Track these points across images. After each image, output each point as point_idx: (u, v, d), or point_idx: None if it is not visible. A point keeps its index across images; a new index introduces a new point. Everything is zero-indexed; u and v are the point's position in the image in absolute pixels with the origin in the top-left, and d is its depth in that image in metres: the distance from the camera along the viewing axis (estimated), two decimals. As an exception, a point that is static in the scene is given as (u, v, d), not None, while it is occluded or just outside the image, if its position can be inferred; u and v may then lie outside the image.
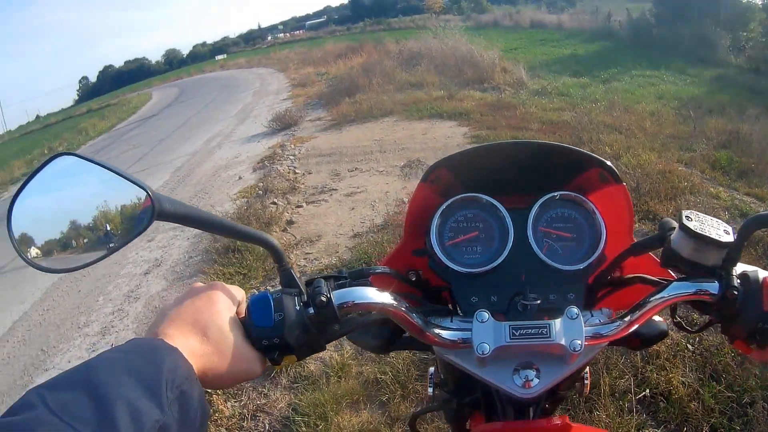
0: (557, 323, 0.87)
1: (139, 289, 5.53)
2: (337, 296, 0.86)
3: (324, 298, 0.85)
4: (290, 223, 5.88)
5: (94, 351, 4.63)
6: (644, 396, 2.73)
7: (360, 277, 0.95)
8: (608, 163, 1.02)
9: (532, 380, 0.89)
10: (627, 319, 0.89)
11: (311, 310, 0.85)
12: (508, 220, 1.03)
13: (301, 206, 6.30)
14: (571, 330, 0.86)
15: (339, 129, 9.83)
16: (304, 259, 4.98)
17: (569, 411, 2.66)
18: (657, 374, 2.81)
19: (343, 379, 3.24)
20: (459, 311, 1.01)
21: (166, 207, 0.76)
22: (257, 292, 0.86)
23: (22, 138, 54.87)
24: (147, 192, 0.77)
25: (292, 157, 8.46)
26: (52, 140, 28.62)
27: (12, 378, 4.75)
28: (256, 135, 11.33)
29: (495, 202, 1.04)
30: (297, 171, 7.66)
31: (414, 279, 1.06)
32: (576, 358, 0.88)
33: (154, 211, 0.76)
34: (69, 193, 0.91)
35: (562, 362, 0.90)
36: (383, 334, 1.02)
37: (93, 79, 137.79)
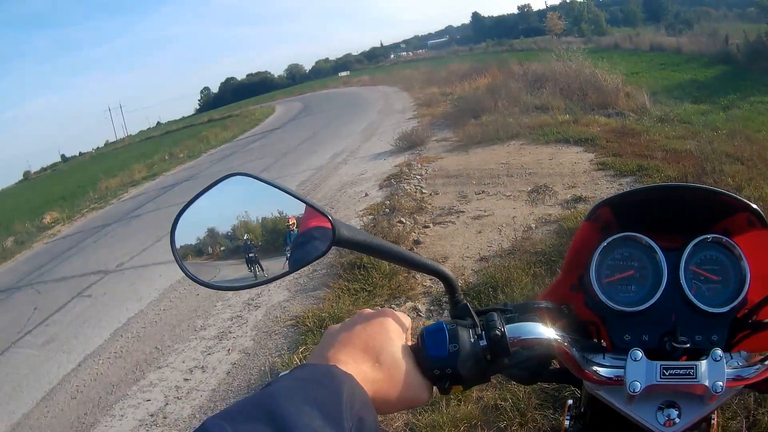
0: (703, 365, 0.88)
1: (260, 297, 5.72)
2: (510, 330, 0.90)
3: (498, 332, 0.88)
4: (417, 243, 5.93)
5: (209, 354, 4.88)
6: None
7: (526, 311, 0.98)
8: (756, 207, 1.02)
9: (674, 419, 0.91)
10: (767, 363, 0.90)
11: (483, 343, 0.88)
12: (663, 260, 1.03)
13: (428, 226, 6.34)
14: (714, 372, 0.87)
15: (465, 150, 9.84)
16: (430, 280, 4.99)
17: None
18: None
19: (463, 402, 3.25)
20: (610, 347, 1.03)
21: (344, 233, 0.80)
22: (431, 322, 0.92)
23: (142, 143, 58.30)
24: (327, 217, 0.81)
25: (418, 177, 8.54)
26: (172, 146, 30.13)
27: (124, 371, 5.04)
28: (382, 153, 11.52)
29: (652, 242, 1.04)
30: (424, 191, 7.72)
31: (566, 312, 1.07)
32: (715, 399, 0.89)
33: (333, 237, 0.80)
34: (235, 211, 0.94)
35: (702, 402, 0.91)
36: (532, 365, 1.02)
37: (215, 90, 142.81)
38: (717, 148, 7.13)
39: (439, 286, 4.81)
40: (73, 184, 30.94)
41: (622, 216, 1.10)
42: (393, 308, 3.50)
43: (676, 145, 7.74)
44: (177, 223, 0.89)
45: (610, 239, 1.07)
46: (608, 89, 12.67)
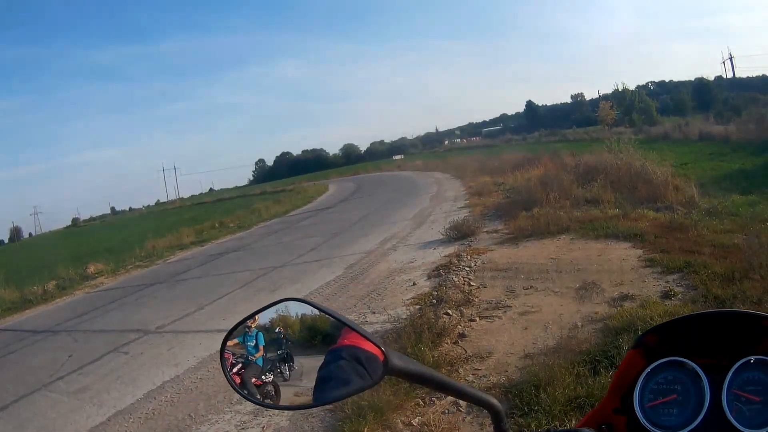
0: None
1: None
2: None
3: None
4: (462, 336, 5.91)
5: (243, 429, 4.88)
6: None
7: None
8: None
9: None
10: None
11: None
12: (706, 385, 1.06)
13: (474, 320, 6.34)
14: None
15: (515, 244, 9.90)
16: (473, 374, 5.01)
17: None
18: None
19: None
20: None
21: (396, 362, 0.81)
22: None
23: (193, 207, 59.55)
24: (380, 348, 0.81)
25: (467, 269, 8.57)
26: (224, 215, 30.66)
27: None
28: (432, 241, 11.62)
29: (697, 367, 1.08)
30: (472, 283, 7.76)
31: None
32: None
33: (387, 367, 0.81)
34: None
35: None
36: None
37: (270, 162, 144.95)
38: (765, 242, 7.07)
39: (482, 382, 4.79)
40: (120, 238, 32.11)
41: (666, 341, 1.15)
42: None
43: (724, 240, 7.73)
44: (227, 339, 0.96)
45: (654, 364, 1.12)
46: (657, 182, 12.75)
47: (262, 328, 0.98)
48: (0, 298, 14.82)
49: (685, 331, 1.14)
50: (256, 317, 0.98)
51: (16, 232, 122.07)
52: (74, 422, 5.62)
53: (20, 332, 10.75)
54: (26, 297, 14.71)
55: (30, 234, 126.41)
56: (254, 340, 1.02)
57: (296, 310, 0.95)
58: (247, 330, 1.00)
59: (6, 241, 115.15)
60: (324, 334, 0.91)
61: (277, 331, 0.97)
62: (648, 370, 1.12)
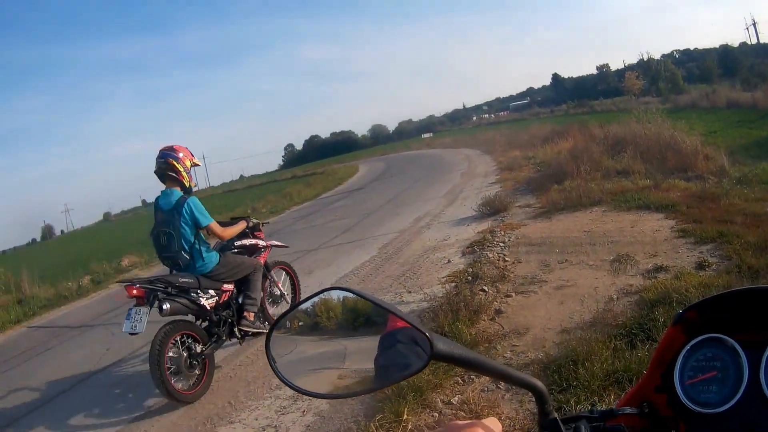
0: None
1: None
2: None
3: None
4: (499, 312, 5.91)
5: (283, 414, 4.87)
6: None
7: (610, 417, 1.04)
8: None
9: None
10: None
11: None
12: (745, 362, 1.05)
13: (510, 296, 6.35)
14: None
15: (548, 217, 9.94)
16: (511, 351, 5.02)
17: None
18: None
19: None
20: None
21: (441, 347, 0.79)
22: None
23: (225, 195, 59.40)
24: (425, 334, 0.79)
25: (501, 244, 8.63)
26: (255, 201, 30.73)
27: (194, 422, 5.08)
28: (465, 218, 11.70)
29: (735, 343, 1.08)
30: (507, 259, 7.80)
31: (647, 411, 1.12)
32: None
33: (431, 351, 0.79)
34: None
35: None
36: None
37: (299, 146, 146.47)
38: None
39: (520, 359, 4.84)
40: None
41: (707, 317, 1.14)
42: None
43: (756, 208, 7.71)
44: (273, 331, 0.94)
45: (694, 341, 1.13)
46: (687, 152, 12.66)
47: (308, 312, 0.98)
48: (35, 296, 14.73)
49: (725, 306, 1.13)
50: (301, 308, 0.98)
51: (48, 231, 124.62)
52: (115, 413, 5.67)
53: (57, 328, 10.78)
54: (61, 293, 14.68)
55: (62, 231, 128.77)
56: None
57: (339, 295, 0.95)
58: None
59: (39, 239, 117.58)
60: (366, 317, 0.92)
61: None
62: (688, 347, 1.12)
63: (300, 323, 0.97)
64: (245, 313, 6.02)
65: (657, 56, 72.47)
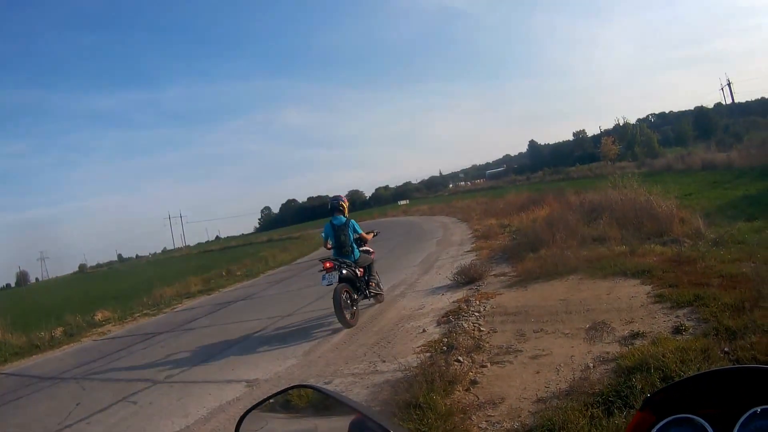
0: None
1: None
2: None
3: None
4: (474, 382, 5.83)
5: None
6: None
7: None
8: None
9: None
10: None
11: None
12: None
13: (485, 366, 6.26)
14: None
15: (524, 286, 9.86)
16: (486, 421, 4.93)
17: None
18: None
19: None
20: None
21: None
22: None
23: (200, 255, 59.84)
24: (388, 430, 0.82)
25: (477, 314, 8.53)
26: (231, 263, 31.01)
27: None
28: (440, 287, 11.60)
29: (705, 423, 1.08)
30: (482, 329, 7.70)
31: None
32: None
33: None
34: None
35: None
36: None
37: (275, 210, 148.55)
38: (772, 269, 7.02)
39: (496, 429, 4.76)
40: (127, 285, 32.32)
41: (675, 398, 1.15)
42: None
43: (732, 269, 7.68)
44: (242, 420, 0.95)
45: (663, 422, 1.12)
46: (663, 216, 12.69)
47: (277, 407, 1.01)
48: (7, 342, 15.00)
49: (692, 387, 1.15)
50: (269, 402, 1.02)
51: (23, 277, 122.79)
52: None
53: (27, 377, 10.83)
54: (33, 342, 14.89)
55: (37, 279, 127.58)
56: None
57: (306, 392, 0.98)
58: None
59: (12, 285, 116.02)
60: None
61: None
62: (657, 428, 1.12)
63: (271, 400, 0.99)
64: (371, 283, 10.61)
65: (633, 120, 74.46)
